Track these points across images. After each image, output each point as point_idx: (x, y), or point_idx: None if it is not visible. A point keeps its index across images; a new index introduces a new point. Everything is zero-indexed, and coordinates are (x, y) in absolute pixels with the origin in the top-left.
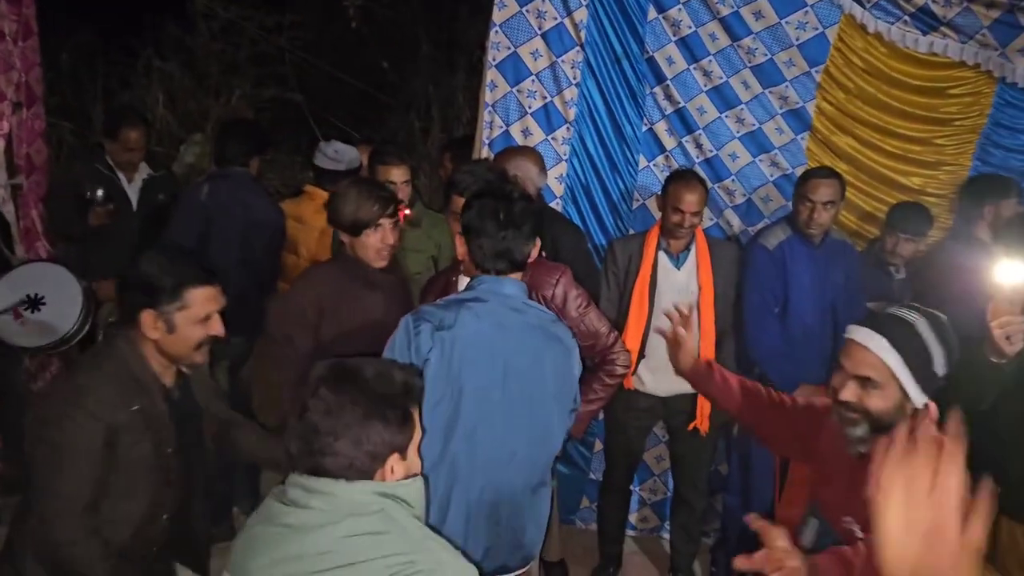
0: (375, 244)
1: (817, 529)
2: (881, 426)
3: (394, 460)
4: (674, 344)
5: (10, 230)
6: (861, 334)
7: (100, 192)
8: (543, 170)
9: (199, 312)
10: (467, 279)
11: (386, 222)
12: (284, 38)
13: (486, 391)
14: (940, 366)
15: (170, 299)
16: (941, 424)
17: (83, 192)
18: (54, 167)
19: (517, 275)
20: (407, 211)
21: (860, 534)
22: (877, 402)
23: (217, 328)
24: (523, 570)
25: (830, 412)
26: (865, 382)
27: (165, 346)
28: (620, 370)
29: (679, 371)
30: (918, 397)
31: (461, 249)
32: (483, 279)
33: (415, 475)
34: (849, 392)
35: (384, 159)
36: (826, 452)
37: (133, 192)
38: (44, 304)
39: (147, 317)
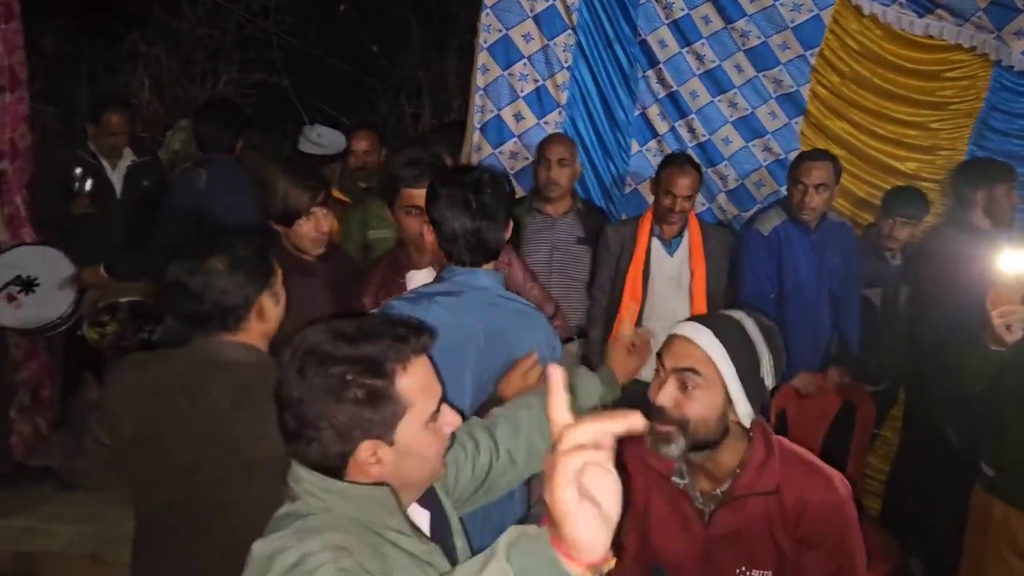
0: (308, 233)
1: None
2: (698, 442)
3: (372, 446)
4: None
5: None
6: (686, 328)
7: (88, 183)
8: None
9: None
10: (420, 275)
11: (318, 210)
12: (271, 21)
13: (457, 386)
14: (768, 374)
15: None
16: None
17: (67, 181)
18: (38, 153)
19: (490, 264)
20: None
21: None
22: (697, 407)
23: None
24: None
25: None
26: (687, 378)
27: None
28: None
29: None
30: (743, 406)
31: (430, 239)
32: (455, 271)
33: (425, 464)
34: (666, 395)
35: (353, 129)
36: (642, 498)
37: (117, 178)
38: (38, 286)
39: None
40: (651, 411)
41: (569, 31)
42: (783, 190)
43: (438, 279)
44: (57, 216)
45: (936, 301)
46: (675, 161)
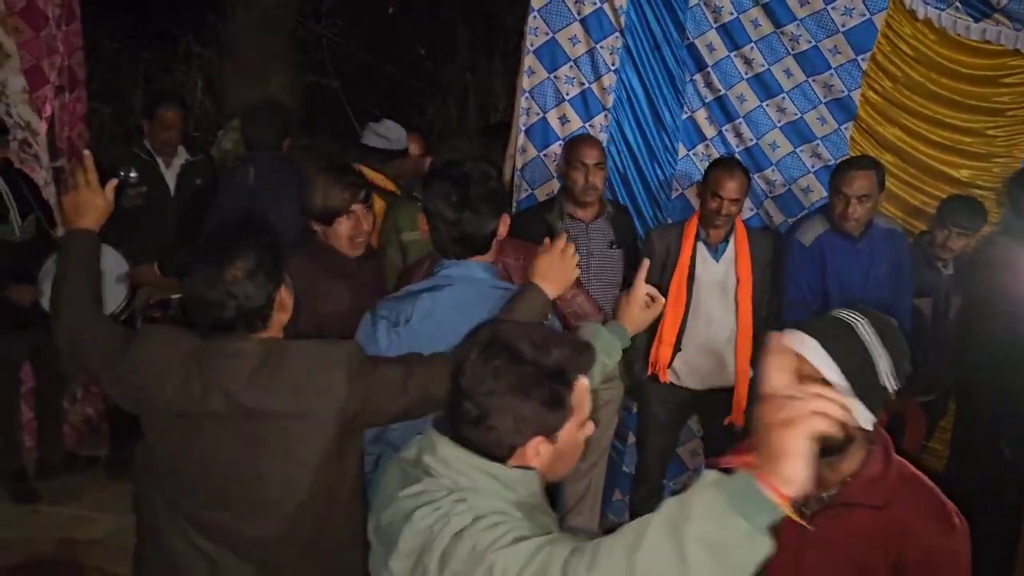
0: (347, 232)
1: None
2: (822, 449)
3: (538, 442)
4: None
5: (52, 212)
6: (789, 339)
7: (133, 173)
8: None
9: None
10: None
11: (358, 208)
12: (322, 25)
13: None
14: (886, 375)
15: None
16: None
17: (117, 174)
18: (95, 151)
19: (482, 257)
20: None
21: None
22: None
23: None
24: None
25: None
26: None
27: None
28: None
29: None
30: (861, 412)
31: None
32: (445, 263)
33: (566, 463)
34: None
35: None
36: None
37: (171, 177)
38: None
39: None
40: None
41: (617, 34)
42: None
43: (429, 274)
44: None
45: (991, 313)
46: (723, 164)
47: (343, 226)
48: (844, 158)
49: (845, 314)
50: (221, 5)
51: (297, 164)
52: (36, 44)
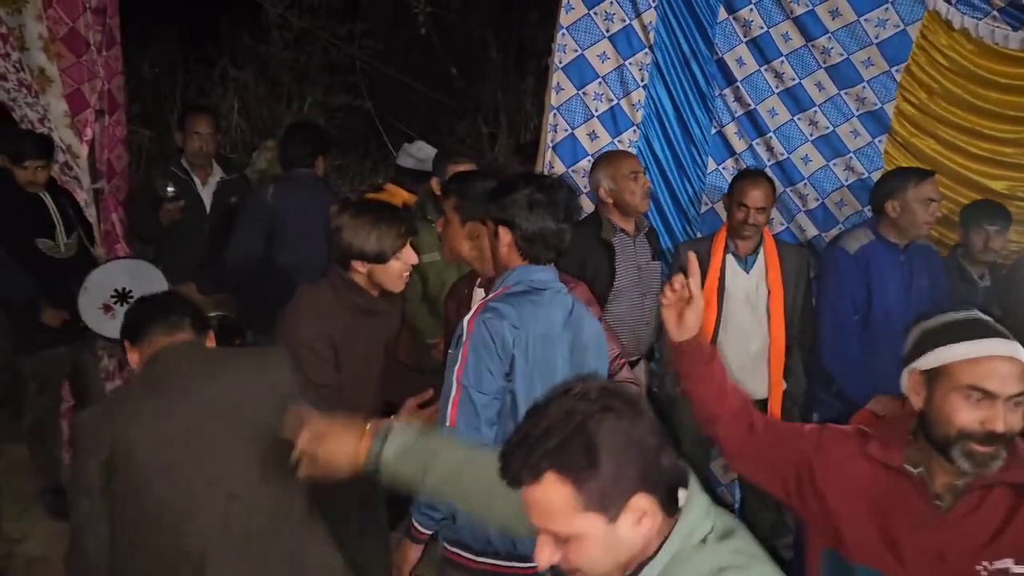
0: (399, 269)
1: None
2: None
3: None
4: (676, 305)
5: (92, 232)
6: (996, 346)
7: (170, 188)
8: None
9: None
10: (481, 291)
11: (408, 246)
12: (355, 46)
13: (554, 376)
14: None
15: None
16: None
17: (155, 190)
18: (134, 173)
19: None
20: None
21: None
22: (1016, 420)
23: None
24: None
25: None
26: (1020, 401)
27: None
28: None
29: (673, 340)
30: None
31: (506, 239)
32: (529, 269)
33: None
34: (1012, 422)
35: (454, 157)
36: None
37: (207, 195)
38: (132, 298)
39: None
40: (959, 435)
41: (646, 50)
42: (866, 210)
43: (510, 279)
44: (148, 227)
45: None
46: (747, 174)
47: (395, 265)
48: (879, 171)
49: (967, 313)
50: (258, 29)
51: (330, 183)
52: (78, 69)
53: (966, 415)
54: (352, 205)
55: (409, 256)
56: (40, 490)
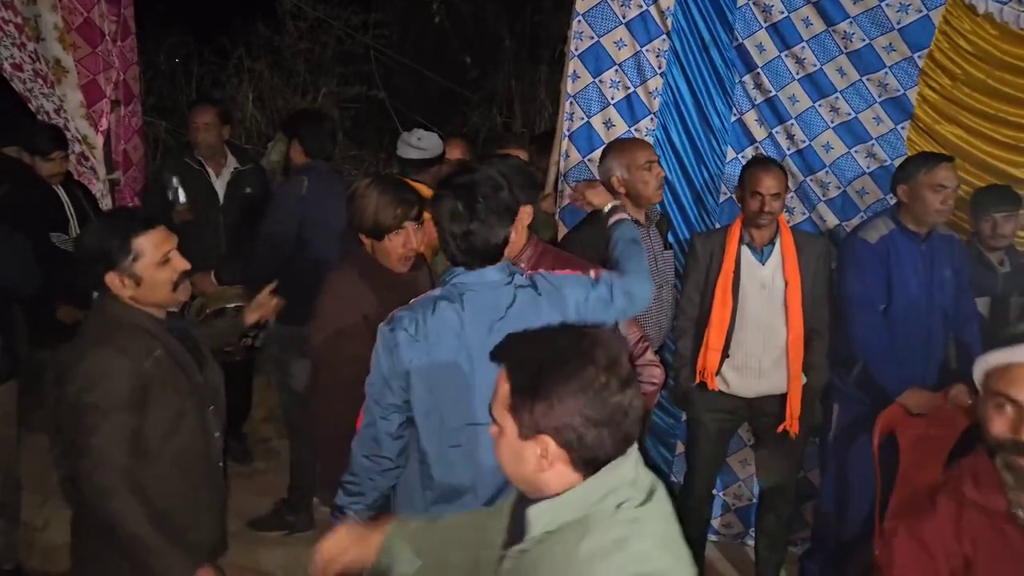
0: (397, 249)
1: None
2: None
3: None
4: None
5: None
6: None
7: (181, 195)
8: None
9: (155, 257)
10: None
11: (409, 225)
12: (369, 36)
13: (467, 387)
14: None
15: (122, 255)
16: None
17: (163, 185)
18: (150, 164)
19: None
20: None
21: None
22: None
23: (180, 264)
24: None
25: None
26: None
27: (141, 297)
28: (646, 387)
29: None
30: None
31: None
32: (455, 271)
33: None
34: None
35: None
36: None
37: (220, 186)
38: None
39: (112, 279)
40: (996, 446)
41: (664, 36)
42: (888, 198)
43: (441, 280)
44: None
45: None
46: (758, 161)
47: (393, 243)
48: (901, 158)
49: None
50: (273, 19)
51: (343, 174)
52: (93, 60)
53: (997, 424)
54: (375, 179)
55: (409, 238)
56: (60, 479)
